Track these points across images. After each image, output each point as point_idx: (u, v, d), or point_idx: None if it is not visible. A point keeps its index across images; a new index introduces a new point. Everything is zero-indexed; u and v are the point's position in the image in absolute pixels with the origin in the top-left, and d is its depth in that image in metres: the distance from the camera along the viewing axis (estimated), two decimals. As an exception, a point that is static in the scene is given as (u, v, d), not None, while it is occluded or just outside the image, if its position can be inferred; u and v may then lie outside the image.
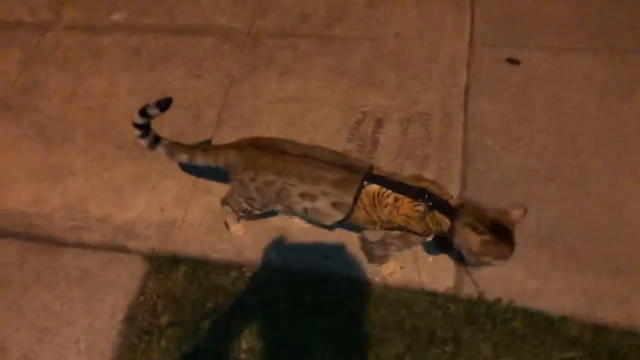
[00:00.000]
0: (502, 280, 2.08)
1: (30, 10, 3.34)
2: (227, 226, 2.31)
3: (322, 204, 1.87)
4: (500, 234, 1.70)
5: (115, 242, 2.39)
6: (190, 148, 2.07)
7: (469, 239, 1.72)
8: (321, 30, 2.93)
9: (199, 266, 2.25)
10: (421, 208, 1.77)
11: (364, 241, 2.06)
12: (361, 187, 1.81)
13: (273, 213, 2.24)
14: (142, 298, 2.22)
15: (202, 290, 2.18)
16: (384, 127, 2.55)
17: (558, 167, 2.30)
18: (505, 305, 2.03)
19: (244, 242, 2.32)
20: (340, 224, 1.96)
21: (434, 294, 2.08)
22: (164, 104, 1.94)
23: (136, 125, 1.97)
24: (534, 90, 2.53)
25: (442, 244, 1.95)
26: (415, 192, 1.78)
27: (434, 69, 2.68)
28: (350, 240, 2.22)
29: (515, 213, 1.73)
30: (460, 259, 2.04)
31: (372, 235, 1.96)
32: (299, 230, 2.31)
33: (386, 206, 1.81)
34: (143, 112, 1.93)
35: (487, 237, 1.69)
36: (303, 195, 1.87)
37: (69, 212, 2.49)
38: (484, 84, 2.58)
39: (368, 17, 2.92)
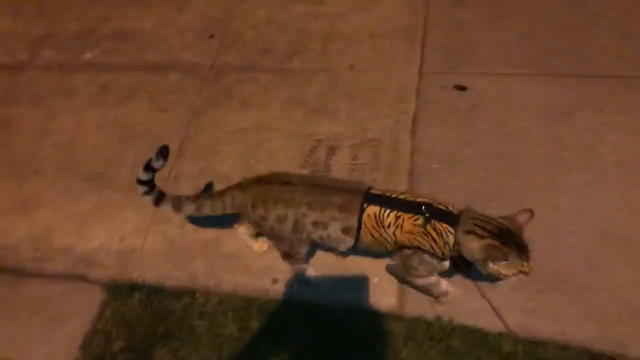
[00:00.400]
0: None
1: (9, 51, 3.50)
2: (250, 246, 2.33)
3: (333, 230, 1.87)
4: (505, 237, 1.66)
5: (77, 272, 2.48)
6: (196, 199, 2.09)
7: (472, 246, 1.69)
8: (281, 63, 3.06)
9: (154, 293, 2.33)
10: (420, 221, 1.77)
11: (392, 273, 2.08)
12: (362, 209, 1.81)
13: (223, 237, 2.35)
14: (99, 325, 2.29)
15: (155, 317, 2.26)
16: (336, 153, 2.65)
17: (499, 188, 2.38)
18: (445, 323, 2.09)
19: (198, 268, 2.40)
20: (355, 250, 1.96)
21: (375, 314, 2.14)
22: (164, 152, 1.95)
23: (140, 182, 1.98)
24: (480, 115, 2.63)
25: (463, 265, 1.90)
26: (412, 206, 1.79)
27: (385, 98, 2.79)
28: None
29: (522, 217, 1.73)
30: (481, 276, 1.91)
31: (393, 263, 1.98)
32: (251, 255, 2.39)
33: (389, 226, 1.81)
34: (147, 167, 1.94)
35: (488, 241, 1.66)
36: (315, 225, 1.88)
37: (34, 243, 2.60)
38: (431, 111, 2.69)
39: (325, 50, 3.05)
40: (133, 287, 2.36)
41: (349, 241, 1.89)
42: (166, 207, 2.08)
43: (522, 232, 1.73)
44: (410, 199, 1.83)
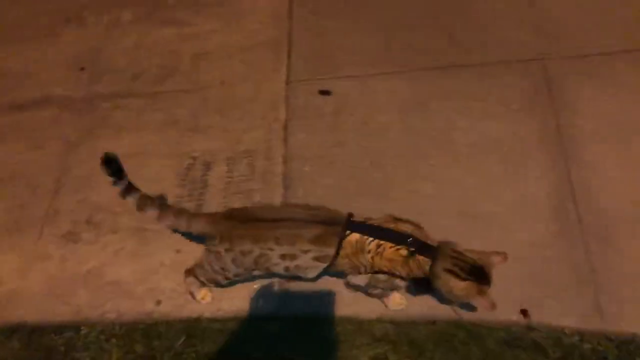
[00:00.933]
0: (321, 294, 2.23)
1: None
2: (193, 296, 2.27)
3: (304, 260, 1.88)
4: (479, 276, 1.76)
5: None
6: (162, 207, 2.07)
7: (451, 285, 1.77)
8: (153, 87, 3.08)
9: (35, 332, 2.29)
10: (404, 252, 1.81)
11: (350, 287, 2.10)
12: (342, 238, 1.84)
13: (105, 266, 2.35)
14: (-20, 372, 2.23)
15: (37, 355, 2.22)
16: (212, 169, 2.70)
17: (367, 182, 2.51)
18: (323, 316, 2.18)
19: (81, 301, 2.39)
20: (324, 272, 1.96)
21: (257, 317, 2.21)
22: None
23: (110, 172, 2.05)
24: (345, 116, 2.76)
25: (422, 284, 1.93)
26: (397, 237, 1.83)
27: (256, 109, 2.87)
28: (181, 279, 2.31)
29: (496, 259, 1.80)
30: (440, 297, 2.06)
31: (358, 280, 2.00)
32: (134, 280, 2.40)
33: (369, 252, 1.84)
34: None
35: (468, 284, 1.75)
36: (283, 257, 1.89)
37: None
38: (301, 117, 2.79)
39: (195, 69, 3.10)
40: (13, 329, 2.31)
41: (320, 266, 1.90)
42: (130, 201, 2.09)
43: (492, 269, 1.80)
44: (392, 226, 1.87)
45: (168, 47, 3.22)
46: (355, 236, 1.85)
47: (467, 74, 2.76)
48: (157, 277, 2.41)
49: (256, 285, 2.31)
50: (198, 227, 2.02)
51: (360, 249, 1.85)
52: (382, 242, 1.83)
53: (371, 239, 1.84)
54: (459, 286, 1.76)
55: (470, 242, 2.14)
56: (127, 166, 2.76)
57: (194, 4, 3.39)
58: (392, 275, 1.90)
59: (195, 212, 2.18)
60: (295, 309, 2.23)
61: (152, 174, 2.73)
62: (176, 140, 2.85)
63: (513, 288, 2.14)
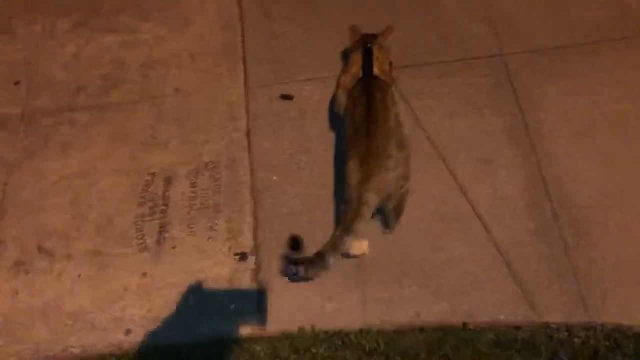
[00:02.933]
0: (302, 309, 2.14)
1: None
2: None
3: None
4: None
5: None
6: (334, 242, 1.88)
7: None
8: (98, 99, 2.87)
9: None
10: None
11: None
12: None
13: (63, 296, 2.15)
14: None
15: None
16: (173, 184, 2.54)
17: (337, 189, 2.42)
18: (309, 333, 2.07)
19: (40, 337, 2.20)
20: None
21: (238, 341, 2.08)
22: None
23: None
24: (310, 121, 2.66)
25: None
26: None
27: (215, 118, 2.73)
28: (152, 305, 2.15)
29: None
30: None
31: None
32: (98, 309, 2.22)
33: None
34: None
35: None
36: None
37: None
38: (263, 124, 2.67)
39: (145, 78, 2.91)
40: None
41: None
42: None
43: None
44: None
45: (112, 56, 3.01)
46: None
47: (428, 72, 2.72)
48: (123, 304, 2.24)
49: (233, 306, 2.19)
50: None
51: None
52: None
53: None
54: None
55: (450, 244, 2.12)
56: (77, 188, 2.59)
57: (136, 9, 3.19)
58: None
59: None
60: (283, 326, 2.11)
61: (107, 194, 2.55)
62: (130, 155, 2.66)
63: (497, 288, 2.13)
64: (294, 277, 1.87)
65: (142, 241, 2.40)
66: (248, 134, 2.66)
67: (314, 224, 2.31)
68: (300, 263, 1.82)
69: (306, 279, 1.89)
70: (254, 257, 2.31)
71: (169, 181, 2.56)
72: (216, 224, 2.41)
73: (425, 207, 2.34)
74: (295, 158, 2.56)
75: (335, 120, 2.56)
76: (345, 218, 1.92)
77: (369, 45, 2.33)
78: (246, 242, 2.35)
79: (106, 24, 3.14)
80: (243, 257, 2.31)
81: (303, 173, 2.51)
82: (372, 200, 1.92)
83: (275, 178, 2.50)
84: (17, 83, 2.97)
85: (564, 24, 2.79)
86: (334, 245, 1.86)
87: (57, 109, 2.86)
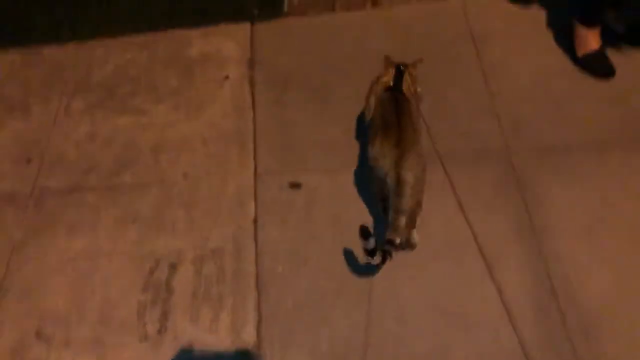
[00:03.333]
0: None
1: None
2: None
3: None
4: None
5: None
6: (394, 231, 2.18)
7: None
8: (108, 180, 2.90)
9: None
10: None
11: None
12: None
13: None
14: None
15: None
16: (178, 270, 2.53)
17: (344, 282, 2.41)
18: None
19: None
20: None
21: None
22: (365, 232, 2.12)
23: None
24: (318, 210, 2.67)
25: None
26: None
27: (223, 204, 2.74)
28: None
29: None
30: None
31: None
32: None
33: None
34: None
35: None
36: None
37: None
38: (271, 212, 2.69)
39: (156, 161, 2.95)
40: None
41: None
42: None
43: None
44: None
45: (125, 138, 3.06)
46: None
47: (432, 165, 2.75)
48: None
49: None
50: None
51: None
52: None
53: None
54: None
55: (453, 345, 2.08)
56: (81, 270, 2.57)
57: (152, 91, 3.27)
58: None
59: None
60: None
61: (109, 278, 2.53)
62: (136, 239, 2.66)
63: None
64: (375, 268, 2.28)
65: (143, 330, 2.36)
66: (255, 222, 2.67)
67: (319, 319, 2.28)
68: (374, 253, 2.13)
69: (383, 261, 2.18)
70: (257, 352, 2.26)
71: (173, 267, 2.54)
72: (219, 316, 2.37)
73: (432, 306, 2.32)
74: (303, 248, 2.55)
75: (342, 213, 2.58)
76: (392, 203, 2.18)
77: (401, 67, 2.54)
78: (249, 336, 2.31)
79: (120, 106, 3.21)
80: (245, 355, 2.26)
81: (310, 264, 2.49)
82: (409, 177, 2.18)
83: (280, 269, 2.49)
84: (29, 161, 3.01)
85: (570, 122, 2.84)
86: (396, 228, 2.15)
87: (67, 189, 2.88)
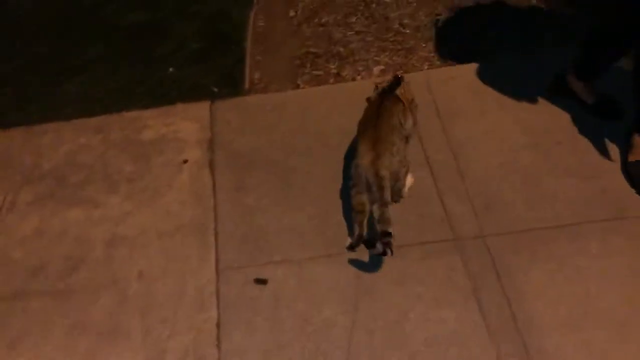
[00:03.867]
0: None
1: None
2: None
3: None
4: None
5: None
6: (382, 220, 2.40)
7: None
8: (57, 282, 2.67)
9: None
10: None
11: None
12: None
13: None
14: None
15: None
16: (132, 389, 2.28)
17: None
18: None
19: None
20: None
21: None
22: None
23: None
24: (285, 310, 2.49)
25: None
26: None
27: (182, 307, 2.53)
28: None
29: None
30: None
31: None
32: None
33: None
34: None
35: None
36: None
37: None
38: (235, 313, 2.49)
39: (108, 259, 2.73)
40: None
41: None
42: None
43: None
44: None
45: (75, 233, 2.85)
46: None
47: (409, 254, 2.61)
48: None
49: None
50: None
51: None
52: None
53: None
54: None
55: None
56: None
57: (105, 179, 3.09)
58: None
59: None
60: None
61: (57, 401, 2.26)
62: (87, 351, 2.43)
63: None
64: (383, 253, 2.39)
65: None
66: (218, 326, 2.46)
67: None
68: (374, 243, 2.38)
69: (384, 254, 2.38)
70: None
71: (128, 384, 2.30)
72: None
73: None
74: (271, 356, 2.35)
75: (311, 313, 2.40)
76: (377, 197, 2.40)
77: (399, 75, 2.72)
78: None
79: (71, 197, 3.01)
80: None
81: (279, 377, 2.29)
82: (385, 174, 2.39)
83: (247, 383, 2.28)
84: (-32, 268, 2.75)
85: (543, 203, 2.75)
86: (384, 219, 2.36)
87: (10, 294, 2.64)
